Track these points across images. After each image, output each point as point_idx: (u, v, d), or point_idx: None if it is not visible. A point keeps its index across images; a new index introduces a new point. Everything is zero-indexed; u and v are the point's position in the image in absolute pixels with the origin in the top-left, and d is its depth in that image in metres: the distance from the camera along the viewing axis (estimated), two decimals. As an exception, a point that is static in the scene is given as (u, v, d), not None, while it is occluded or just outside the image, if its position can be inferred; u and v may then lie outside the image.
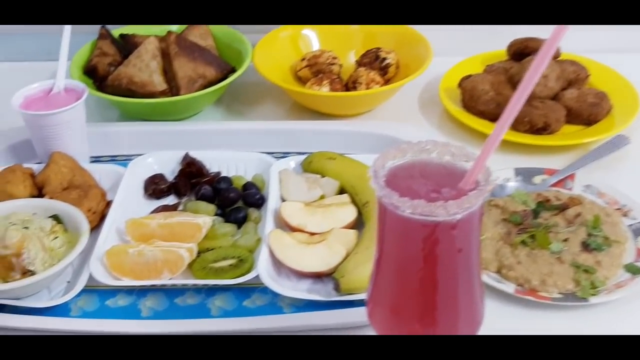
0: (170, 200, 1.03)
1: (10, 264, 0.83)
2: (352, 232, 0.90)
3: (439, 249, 0.59)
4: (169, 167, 1.07)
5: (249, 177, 1.05)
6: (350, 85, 1.21)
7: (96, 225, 0.95)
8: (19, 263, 0.83)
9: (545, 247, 0.89)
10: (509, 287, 0.86)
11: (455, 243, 0.59)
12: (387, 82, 1.24)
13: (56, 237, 0.89)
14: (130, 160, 1.09)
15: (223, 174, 1.05)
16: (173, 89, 1.18)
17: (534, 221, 0.93)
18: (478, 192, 0.57)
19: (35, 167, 1.04)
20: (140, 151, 1.10)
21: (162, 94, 1.16)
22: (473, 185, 0.60)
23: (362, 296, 0.82)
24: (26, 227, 0.88)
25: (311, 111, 1.24)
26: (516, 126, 1.13)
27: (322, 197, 0.98)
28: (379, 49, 1.27)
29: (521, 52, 1.24)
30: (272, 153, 1.10)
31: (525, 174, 1.04)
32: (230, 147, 1.11)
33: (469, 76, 1.21)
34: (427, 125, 1.22)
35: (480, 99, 1.16)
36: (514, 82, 1.19)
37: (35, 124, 1.03)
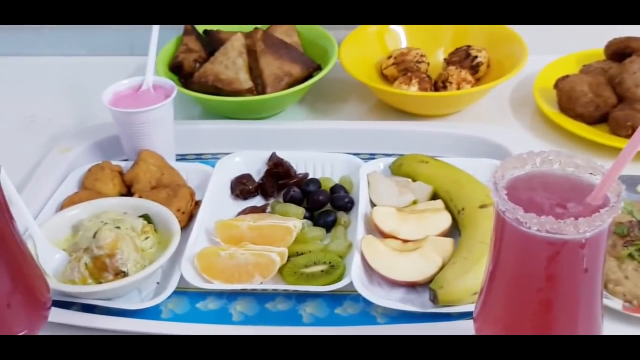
0: (257, 201, 1.01)
1: (104, 264, 0.82)
2: (448, 241, 0.86)
3: (564, 268, 0.56)
4: (255, 166, 1.06)
5: (336, 179, 1.02)
6: (439, 84, 1.17)
7: (185, 225, 0.94)
8: (112, 264, 0.82)
9: (655, 261, 0.84)
10: (617, 304, 0.81)
11: (582, 263, 0.55)
12: (477, 81, 1.20)
13: (147, 238, 0.88)
14: (216, 158, 1.08)
15: (310, 175, 1.03)
16: (259, 86, 1.16)
17: (641, 233, 0.88)
18: (610, 210, 0.53)
19: (124, 165, 1.04)
20: (226, 150, 1.09)
21: (248, 91, 1.15)
22: (602, 200, 0.56)
23: (461, 309, 0.79)
24: (118, 227, 0.87)
25: (396, 110, 1.20)
26: (617, 130, 1.07)
27: (414, 203, 0.94)
28: (469, 46, 1.22)
29: (621, 52, 1.18)
30: (359, 154, 1.08)
31: (629, 182, 0.98)
32: (315, 146, 1.09)
33: (566, 77, 1.15)
34: (520, 126, 1.17)
35: (578, 101, 1.11)
36: (613, 84, 1.13)
37: (124, 121, 1.02)
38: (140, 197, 0.96)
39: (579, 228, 0.53)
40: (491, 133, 1.06)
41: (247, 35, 1.21)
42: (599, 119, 1.11)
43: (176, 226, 0.89)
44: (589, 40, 1.26)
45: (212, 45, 1.25)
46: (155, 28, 1.08)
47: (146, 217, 0.91)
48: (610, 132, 1.09)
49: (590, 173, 0.58)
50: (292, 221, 0.90)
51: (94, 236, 0.86)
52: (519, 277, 0.58)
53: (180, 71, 1.22)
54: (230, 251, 0.86)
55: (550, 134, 1.14)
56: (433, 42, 1.28)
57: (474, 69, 1.20)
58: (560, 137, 1.12)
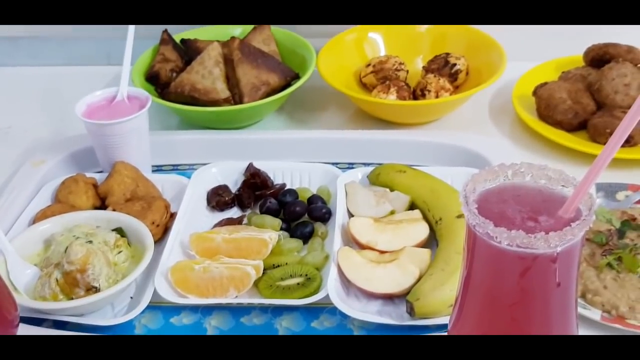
0: (234, 212, 1.00)
1: (75, 280, 0.81)
2: (426, 252, 0.86)
3: (536, 282, 0.55)
4: (232, 177, 1.04)
5: (314, 189, 1.01)
6: (418, 92, 1.17)
7: (159, 238, 0.93)
8: (83, 279, 0.81)
9: (633, 270, 0.83)
10: (595, 314, 0.80)
11: (555, 277, 0.55)
12: (456, 89, 1.19)
13: (120, 252, 0.87)
14: (192, 169, 1.07)
15: (287, 186, 1.02)
16: (236, 96, 1.15)
17: (620, 242, 0.87)
18: (582, 223, 0.52)
19: (98, 177, 1.02)
20: (203, 160, 1.08)
21: (225, 101, 1.14)
22: (573, 213, 0.55)
23: (437, 321, 0.78)
24: (90, 241, 0.85)
25: (375, 119, 1.20)
26: (596, 138, 1.07)
27: (392, 213, 0.93)
28: (448, 54, 1.22)
29: (600, 59, 1.17)
30: (337, 163, 1.07)
31: (608, 190, 0.97)
32: (293, 156, 1.08)
33: (545, 84, 1.15)
34: (499, 134, 1.16)
35: (557, 108, 1.10)
36: (592, 91, 1.12)
37: (99, 132, 1.01)
38: (114, 209, 0.94)
39: (550, 242, 0.52)
40: (470, 141, 1.05)
41: (224, 44, 1.19)
42: (578, 126, 1.11)
43: (150, 240, 0.87)
44: (567, 47, 1.26)
45: (189, 54, 1.24)
46: (130, 35, 1.06)
47: (119, 231, 0.90)
48: (589, 139, 1.09)
49: (563, 185, 0.57)
50: (268, 233, 0.89)
51: (65, 251, 0.84)
52: (492, 291, 0.57)
53: (156, 81, 1.21)
54: (205, 264, 0.85)
55: (530, 141, 1.13)
56: (412, 49, 1.27)
57: (453, 76, 1.19)
58: (539, 144, 1.12)
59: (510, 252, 0.53)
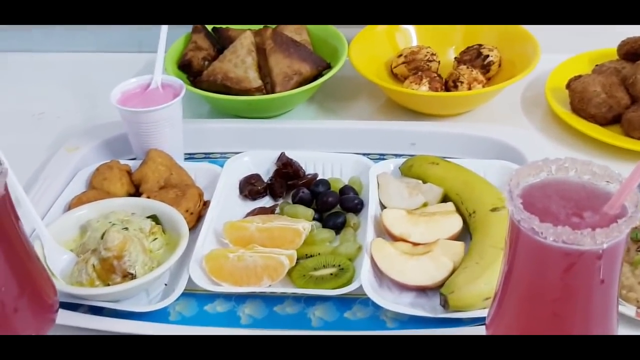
0: (266, 201, 1.01)
1: (112, 266, 0.81)
2: (459, 244, 0.85)
3: (580, 279, 0.55)
4: (264, 166, 1.05)
5: (345, 180, 1.01)
6: (450, 84, 1.16)
7: (193, 226, 0.93)
8: (120, 266, 0.81)
9: (669, 266, 0.83)
10: (630, 310, 0.80)
11: (599, 274, 0.54)
12: (489, 80, 1.18)
13: (155, 239, 0.88)
14: (224, 158, 1.07)
15: (319, 176, 1.02)
16: (268, 85, 1.15)
17: (655, 238, 0.87)
18: (628, 220, 0.52)
19: (132, 164, 1.03)
20: (234, 149, 1.08)
21: (257, 90, 1.14)
22: (619, 210, 0.54)
23: (472, 314, 0.78)
24: (125, 228, 0.86)
25: (406, 109, 1.19)
26: (630, 132, 1.06)
27: (424, 205, 0.93)
28: (480, 45, 1.21)
29: (634, 52, 1.16)
30: (368, 154, 1.07)
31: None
32: (324, 146, 1.08)
33: (579, 77, 1.14)
34: (531, 127, 1.16)
35: (591, 102, 1.09)
36: (626, 84, 1.11)
37: (133, 120, 1.01)
38: (148, 197, 0.95)
39: (596, 239, 0.51)
40: (503, 134, 1.04)
41: (257, 33, 1.20)
42: (612, 120, 1.10)
43: (184, 228, 0.88)
44: (601, 40, 1.25)
45: (221, 43, 1.25)
46: (164, 27, 1.07)
47: (154, 218, 0.91)
48: (623, 133, 1.08)
49: (607, 181, 0.57)
50: (301, 223, 0.89)
51: (102, 237, 0.85)
52: (534, 286, 0.57)
53: (189, 69, 1.21)
54: (239, 253, 0.85)
55: (562, 134, 1.12)
56: (444, 40, 1.27)
57: (486, 68, 1.19)
58: (572, 138, 1.11)
59: (555, 248, 0.53)
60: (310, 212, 0.94)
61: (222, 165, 1.03)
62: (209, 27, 1.28)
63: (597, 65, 1.19)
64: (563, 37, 1.25)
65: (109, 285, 0.82)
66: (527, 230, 0.54)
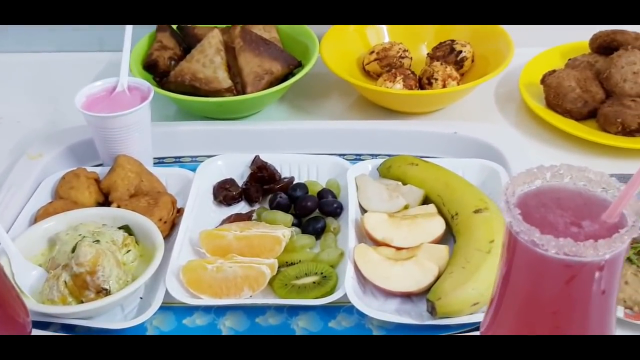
0: (241, 207, 0.98)
1: (85, 282, 0.78)
2: (444, 248, 0.84)
3: (581, 290, 0.53)
4: (237, 170, 1.01)
5: (322, 182, 0.99)
6: (424, 81, 1.14)
7: (167, 235, 0.90)
8: (93, 281, 0.78)
9: (654, 265, 0.82)
10: (618, 311, 0.79)
11: (600, 284, 0.53)
12: (462, 76, 1.17)
13: (129, 251, 0.84)
14: (195, 161, 1.04)
15: (295, 179, 0.99)
16: (238, 85, 1.12)
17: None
18: (630, 230, 0.51)
19: (99, 171, 0.99)
20: (205, 152, 1.06)
21: (228, 91, 1.10)
22: (617, 218, 0.53)
23: (459, 320, 0.77)
24: (97, 241, 0.83)
25: (378, 107, 1.17)
26: (606, 127, 1.06)
27: (405, 207, 0.91)
28: (453, 41, 1.19)
29: (607, 46, 1.16)
30: (344, 155, 1.04)
31: (619, 181, 0.96)
32: (298, 147, 1.05)
33: (553, 72, 1.13)
34: (506, 123, 1.15)
35: (566, 97, 1.09)
36: (601, 79, 1.11)
37: (100, 126, 0.97)
38: (118, 206, 0.91)
39: (598, 250, 0.50)
40: (480, 132, 1.03)
41: (224, 31, 1.16)
42: (587, 115, 1.09)
43: (159, 238, 0.85)
44: (573, 33, 1.24)
45: (187, 41, 1.21)
46: (129, 27, 1.02)
47: (126, 229, 0.87)
48: (599, 128, 1.08)
49: (603, 188, 0.56)
50: (280, 230, 0.87)
51: (73, 251, 0.81)
52: (533, 297, 0.56)
53: (154, 70, 1.17)
54: (218, 264, 0.82)
55: (537, 130, 1.12)
56: (416, 36, 1.25)
57: (459, 64, 1.17)
58: (547, 133, 1.10)
59: (556, 260, 0.51)
60: (289, 217, 0.91)
61: (193, 170, 1.00)
62: (174, 25, 1.23)
63: (570, 59, 1.19)
64: (534, 30, 1.24)
65: (82, 302, 0.78)
66: (527, 242, 0.53)
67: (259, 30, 1.18)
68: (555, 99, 1.10)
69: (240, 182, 1.00)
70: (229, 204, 0.97)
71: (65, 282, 0.78)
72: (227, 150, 1.04)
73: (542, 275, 0.54)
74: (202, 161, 1.02)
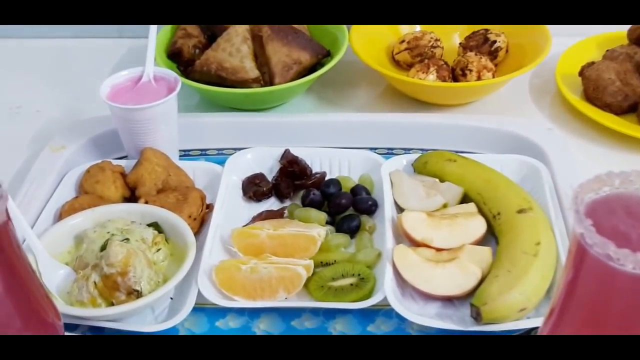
0: (272, 202, 0.94)
1: (115, 283, 0.75)
2: (486, 250, 0.80)
3: (656, 307, 0.50)
4: (266, 164, 0.98)
5: (355, 178, 0.95)
6: (458, 72, 1.10)
7: (196, 232, 0.87)
8: (124, 282, 0.75)
9: None
10: None
11: (676, 301, 0.50)
12: (496, 67, 1.13)
13: (159, 249, 0.81)
14: (222, 154, 1.01)
15: (327, 174, 0.96)
16: (265, 75, 1.08)
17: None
18: None
19: (124, 164, 0.96)
20: (232, 145, 1.03)
21: (255, 81, 1.07)
22: (694, 229, 0.50)
23: (505, 327, 0.74)
24: (126, 239, 0.80)
25: (405, 98, 1.14)
26: (648, 121, 1.02)
27: (444, 206, 0.88)
28: (487, 30, 1.15)
29: (646, 38, 1.12)
30: (375, 149, 1.01)
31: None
32: (328, 140, 1.02)
33: (591, 63, 1.09)
34: (541, 116, 1.11)
35: (606, 90, 1.05)
36: (641, 71, 1.07)
37: (126, 117, 0.94)
38: (146, 202, 0.88)
39: (681, 266, 0.47)
40: (516, 126, 0.99)
41: (251, 19, 1.12)
42: (627, 109, 1.05)
43: (190, 236, 0.81)
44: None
45: (211, 29, 1.17)
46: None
47: (155, 226, 0.84)
48: (639, 123, 1.04)
49: (678, 195, 0.52)
50: (315, 229, 0.83)
51: (101, 250, 0.78)
52: (602, 314, 0.52)
53: (179, 58, 1.13)
54: (252, 264, 0.79)
55: (574, 124, 1.08)
56: (447, 25, 1.20)
57: (493, 54, 1.13)
58: (584, 127, 1.07)
59: (633, 275, 0.48)
60: (323, 215, 0.88)
61: (219, 163, 0.97)
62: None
63: (607, 50, 1.15)
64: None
65: (112, 303, 0.75)
66: (600, 255, 0.49)
67: (287, 18, 1.14)
68: (595, 92, 1.06)
69: (269, 177, 0.96)
70: (259, 200, 0.94)
71: (95, 282, 0.75)
72: (254, 143, 1.01)
73: (611, 290, 0.50)
74: (228, 154, 0.99)
